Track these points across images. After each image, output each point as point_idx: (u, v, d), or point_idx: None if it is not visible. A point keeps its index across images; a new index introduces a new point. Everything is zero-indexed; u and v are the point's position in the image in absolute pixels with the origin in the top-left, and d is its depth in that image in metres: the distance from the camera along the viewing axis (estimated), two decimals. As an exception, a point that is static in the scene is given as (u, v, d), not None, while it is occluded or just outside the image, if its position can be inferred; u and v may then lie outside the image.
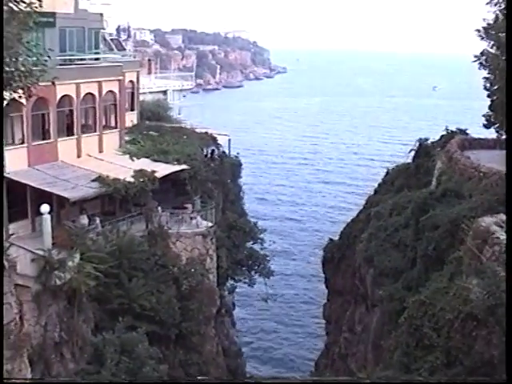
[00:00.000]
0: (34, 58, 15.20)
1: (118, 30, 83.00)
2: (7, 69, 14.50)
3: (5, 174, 39.87)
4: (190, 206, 48.74)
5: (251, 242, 56.13)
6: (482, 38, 47.04)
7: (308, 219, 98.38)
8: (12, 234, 36.75)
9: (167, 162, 48.35)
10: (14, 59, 14.64)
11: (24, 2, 14.38)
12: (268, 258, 56.49)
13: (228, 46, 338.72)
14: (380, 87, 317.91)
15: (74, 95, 46.67)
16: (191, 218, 47.84)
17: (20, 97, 15.92)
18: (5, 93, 15.21)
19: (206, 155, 54.71)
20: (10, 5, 14.25)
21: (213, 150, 55.93)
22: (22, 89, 15.15)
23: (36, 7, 14.71)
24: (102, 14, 58.60)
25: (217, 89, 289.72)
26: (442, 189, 40.54)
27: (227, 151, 57.49)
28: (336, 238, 57.85)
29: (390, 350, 30.25)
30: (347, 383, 9.84)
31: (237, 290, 60.05)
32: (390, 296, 38.77)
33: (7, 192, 41.51)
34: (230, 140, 57.84)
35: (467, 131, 53.92)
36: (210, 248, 48.09)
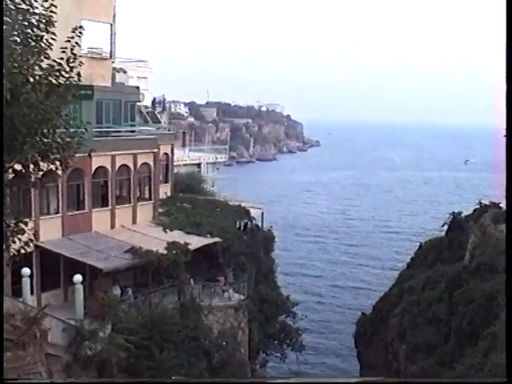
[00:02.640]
0: (72, 130, 15.44)
1: (153, 102, 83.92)
2: (45, 140, 14.75)
3: (39, 243, 40.21)
4: (222, 278, 48.68)
5: (283, 316, 55.81)
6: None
7: (339, 293, 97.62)
8: (46, 306, 36.78)
9: (200, 235, 48.50)
10: (51, 131, 14.89)
11: (64, 77, 14.68)
12: (300, 332, 56.04)
13: (262, 120, 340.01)
14: (412, 160, 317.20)
15: (109, 167, 47.20)
16: (223, 291, 47.76)
17: (56, 168, 16.10)
18: (42, 164, 15.43)
19: (239, 228, 54.83)
20: (50, 79, 14.58)
21: (246, 223, 56.01)
22: (60, 161, 15.38)
23: (75, 81, 14.99)
24: (138, 88, 59.66)
25: (250, 161, 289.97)
26: (475, 263, 40.29)
27: (260, 224, 57.53)
28: (368, 312, 57.39)
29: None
30: (348, 383, 9.65)
31: (268, 363, 59.40)
32: (424, 371, 38.25)
33: (40, 261, 41.89)
34: (262, 213, 57.93)
35: (500, 205, 53.57)
36: (242, 321, 47.87)
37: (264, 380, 22.24)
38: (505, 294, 8.00)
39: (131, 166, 49.27)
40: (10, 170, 15.09)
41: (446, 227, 53.15)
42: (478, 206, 53.97)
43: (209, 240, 48.20)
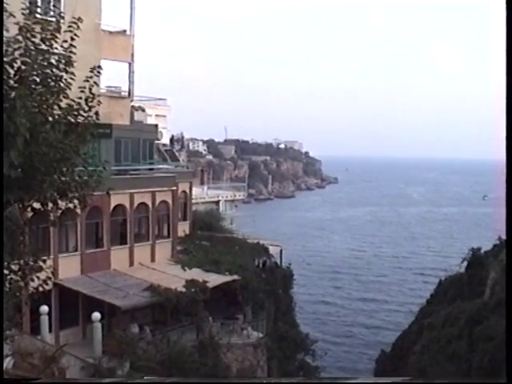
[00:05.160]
0: (90, 169, 15.50)
1: (171, 140, 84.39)
2: (64, 179, 14.81)
3: (57, 281, 40.29)
4: (241, 316, 48.50)
5: (302, 354, 55.41)
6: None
7: (357, 331, 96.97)
8: (64, 345, 36.75)
9: (219, 273, 48.40)
10: (70, 170, 14.94)
11: (82, 116, 14.78)
12: (319, 370, 55.60)
13: (280, 157, 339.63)
14: (429, 197, 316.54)
15: (127, 205, 47.34)
16: (242, 329, 47.55)
17: (75, 206, 16.15)
18: (60, 203, 15.47)
19: (257, 265, 54.66)
20: (69, 118, 14.67)
21: (265, 261, 55.79)
22: (78, 199, 15.43)
23: (94, 120, 15.09)
24: (156, 126, 59.99)
25: (269, 199, 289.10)
26: (496, 299, 39.85)
27: (279, 261, 57.32)
28: (388, 349, 56.94)
29: None
30: (347, 383, 9.66)
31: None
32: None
33: (59, 299, 41.93)
34: (281, 250, 57.76)
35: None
36: (261, 359, 47.59)
37: (264, 380, 21.98)
38: (505, 294, 7.92)
39: (149, 204, 49.39)
40: (29, 209, 15.13)
41: (465, 263, 52.76)
42: (497, 242, 53.55)
43: (227, 278, 48.09)
